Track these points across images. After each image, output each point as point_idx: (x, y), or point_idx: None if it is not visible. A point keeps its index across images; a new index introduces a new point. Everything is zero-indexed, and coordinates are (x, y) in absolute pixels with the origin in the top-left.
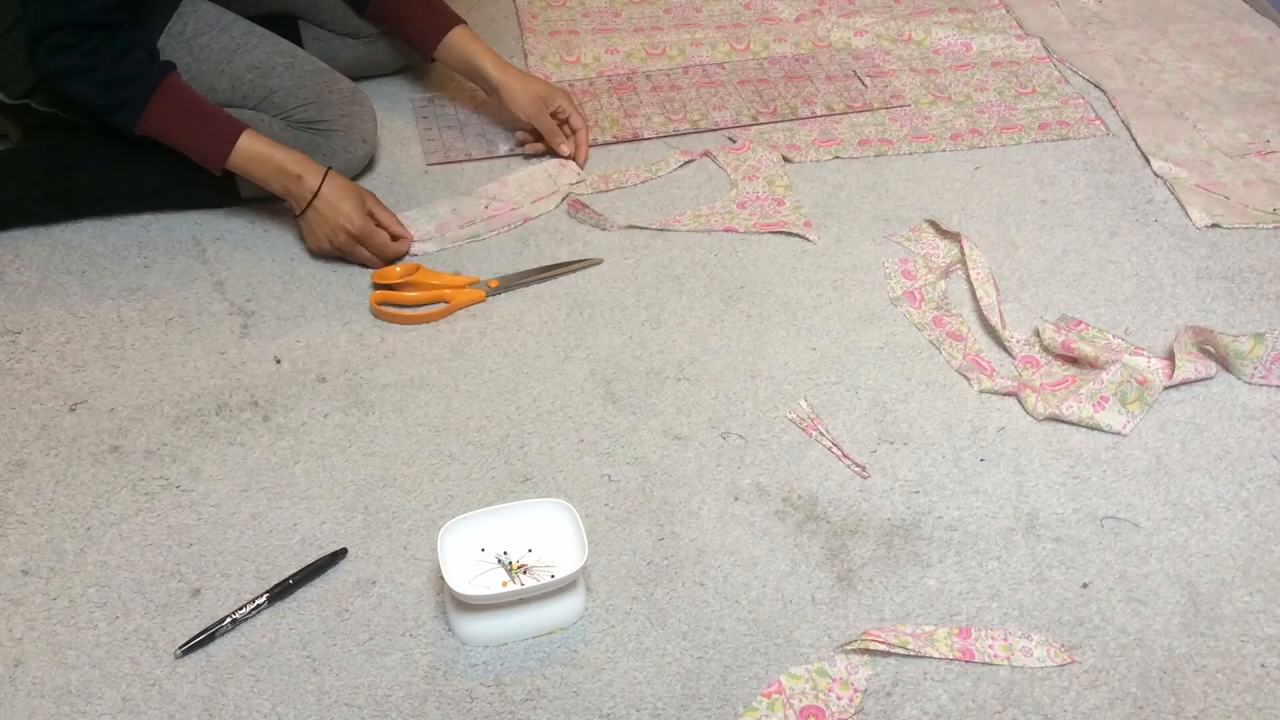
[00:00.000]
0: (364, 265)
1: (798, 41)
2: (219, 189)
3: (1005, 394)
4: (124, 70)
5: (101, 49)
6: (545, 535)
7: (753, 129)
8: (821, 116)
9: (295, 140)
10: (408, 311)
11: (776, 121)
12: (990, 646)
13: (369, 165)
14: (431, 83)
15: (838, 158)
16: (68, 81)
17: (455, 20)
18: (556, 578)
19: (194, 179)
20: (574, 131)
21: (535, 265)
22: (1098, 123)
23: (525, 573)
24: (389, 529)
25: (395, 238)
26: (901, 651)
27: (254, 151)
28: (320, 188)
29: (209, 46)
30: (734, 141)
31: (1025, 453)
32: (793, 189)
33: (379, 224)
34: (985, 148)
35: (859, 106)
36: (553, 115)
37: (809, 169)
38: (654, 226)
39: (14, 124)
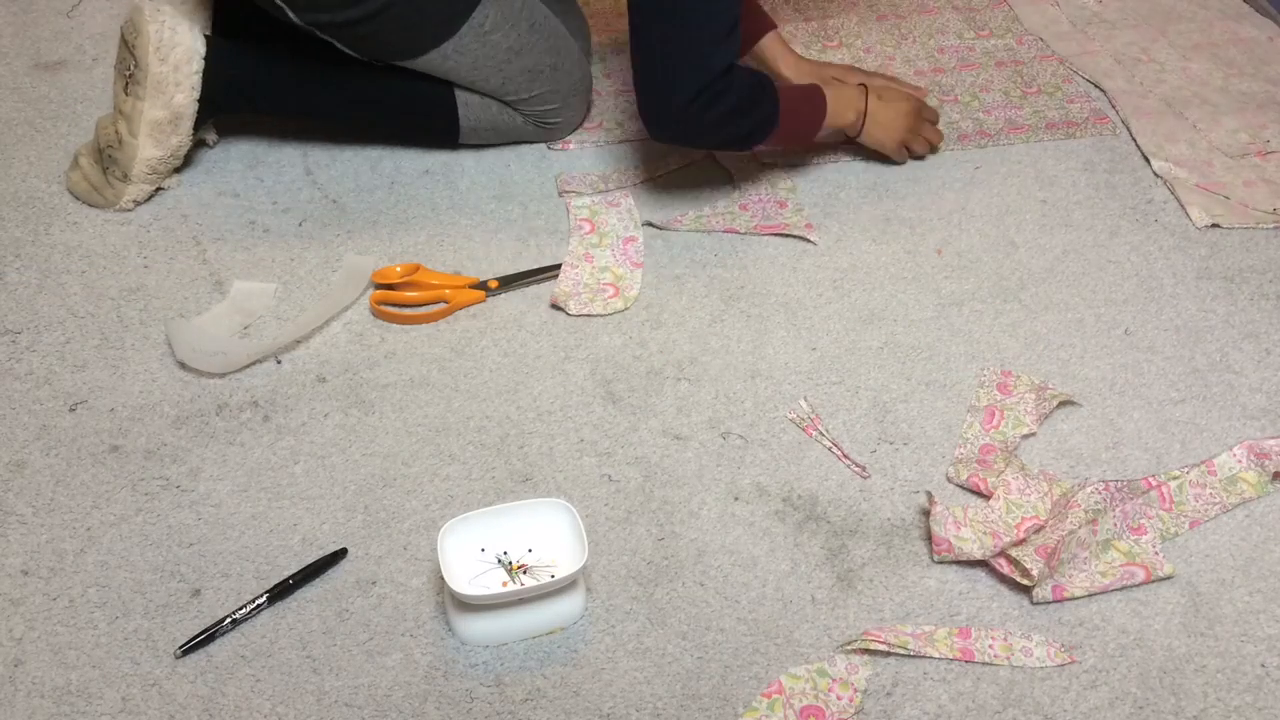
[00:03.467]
0: (922, 151)
1: (806, 43)
2: (442, 134)
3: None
4: (752, 92)
5: (735, 81)
6: (545, 535)
7: None
8: None
9: (510, 120)
10: (408, 311)
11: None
12: (990, 646)
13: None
14: None
15: (843, 158)
16: (722, 129)
17: (769, 26)
18: (556, 578)
19: (425, 123)
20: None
21: (535, 265)
22: (1106, 121)
23: (525, 573)
24: (389, 529)
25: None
26: (901, 651)
27: (834, 97)
28: (869, 98)
29: (499, 44)
30: None
31: (1024, 452)
32: (796, 191)
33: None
34: (989, 147)
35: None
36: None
37: (810, 169)
38: (654, 226)
39: (212, 128)
